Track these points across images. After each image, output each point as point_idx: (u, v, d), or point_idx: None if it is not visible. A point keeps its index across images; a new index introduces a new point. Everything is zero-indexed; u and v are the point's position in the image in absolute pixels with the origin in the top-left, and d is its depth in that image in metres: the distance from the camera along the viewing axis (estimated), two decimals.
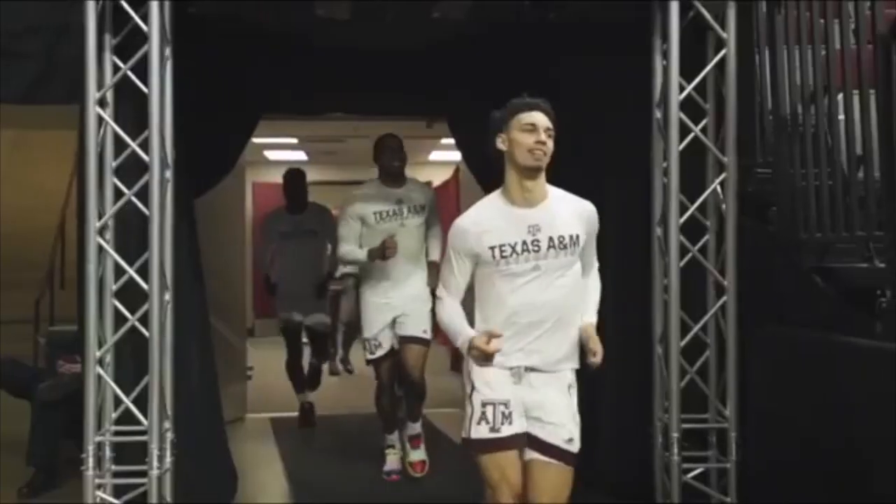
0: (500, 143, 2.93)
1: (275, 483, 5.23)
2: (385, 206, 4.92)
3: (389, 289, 4.92)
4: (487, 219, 2.94)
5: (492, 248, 2.90)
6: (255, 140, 6.83)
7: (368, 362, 5.09)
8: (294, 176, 6.59)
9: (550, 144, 2.90)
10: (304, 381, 6.76)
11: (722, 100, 3.98)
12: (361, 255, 4.88)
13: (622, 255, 4.23)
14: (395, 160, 4.96)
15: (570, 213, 2.96)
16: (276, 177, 7.20)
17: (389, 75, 4.92)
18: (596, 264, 3.14)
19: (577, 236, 2.94)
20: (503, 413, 2.91)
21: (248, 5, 4.02)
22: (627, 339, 4.24)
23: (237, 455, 4.90)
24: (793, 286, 3.66)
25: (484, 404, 2.92)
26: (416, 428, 5.18)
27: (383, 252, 4.72)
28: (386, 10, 4.14)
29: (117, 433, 3.72)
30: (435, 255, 4.99)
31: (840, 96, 3.40)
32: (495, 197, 2.98)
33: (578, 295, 3.01)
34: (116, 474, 3.71)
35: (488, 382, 2.94)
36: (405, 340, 4.94)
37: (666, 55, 3.92)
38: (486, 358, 2.89)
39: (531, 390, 2.95)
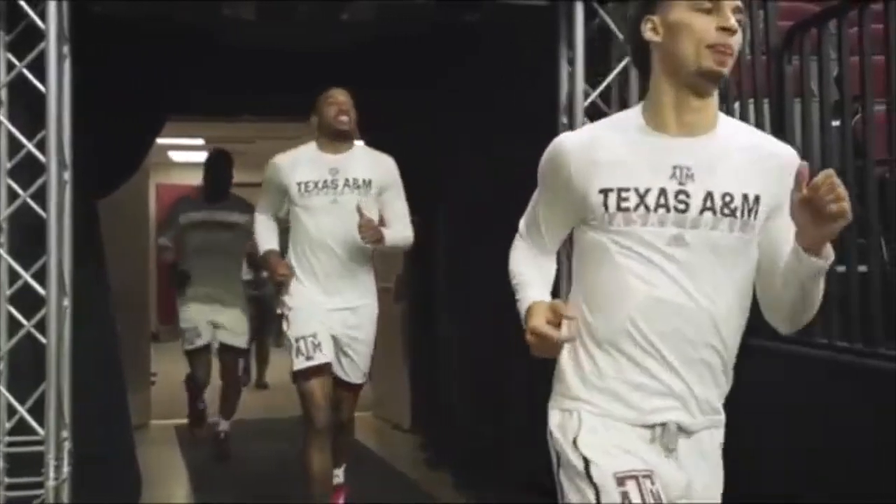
0: (650, 31, 1.78)
1: (179, 490, 5.14)
2: (314, 174, 3.81)
3: (323, 291, 3.85)
4: (608, 145, 1.77)
5: (603, 191, 1.75)
6: (161, 141, 6.70)
7: (298, 374, 3.77)
8: (219, 157, 5.76)
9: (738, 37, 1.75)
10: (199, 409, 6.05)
11: (626, 106, 4.06)
12: (260, 244, 4.03)
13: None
14: (340, 116, 3.82)
15: (748, 161, 1.77)
16: (182, 178, 7.09)
17: (300, 76, 4.88)
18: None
19: (759, 198, 1.75)
20: None
21: (155, 5, 3.94)
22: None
23: (142, 461, 4.79)
24: None
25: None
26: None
27: (273, 274, 3.97)
28: (294, 11, 4.11)
29: (11, 444, 3.60)
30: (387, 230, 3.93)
31: (737, 105, 3.50)
32: (633, 115, 1.82)
33: (744, 303, 1.80)
34: (10, 486, 3.59)
35: (611, 450, 1.72)
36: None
37: (571, 62, 4.00)
38: (546, 349, 1.77)
39: (677, 468, 1.78)
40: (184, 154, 11.44)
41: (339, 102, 3.86)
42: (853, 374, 2.76)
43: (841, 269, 2.88)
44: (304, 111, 5.49)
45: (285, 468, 4.97)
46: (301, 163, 3.86)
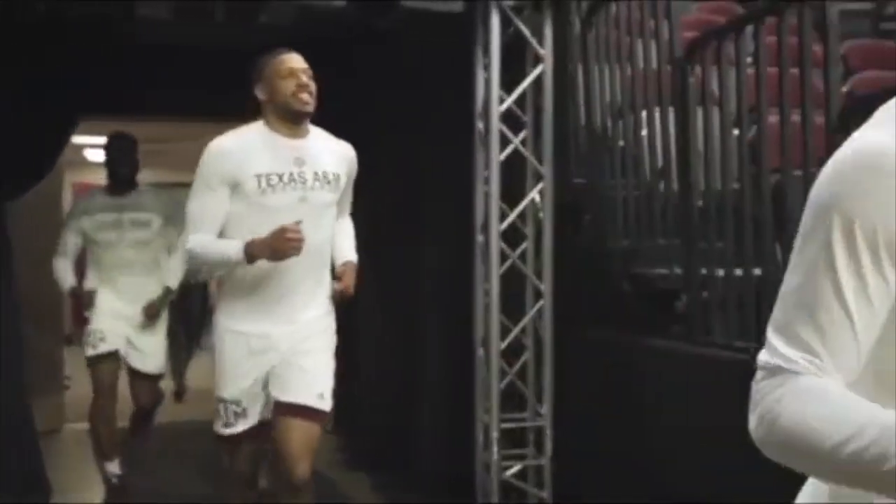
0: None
1: (92, 495, 5.05)
2: (275, 166, 2.92)
3: (267, 316, 2.97)
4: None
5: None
6: (76, 140, 6.56)
7: (219, 439, 3.09)
8: (121, 139, 4.68)
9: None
10: (115, 442, 4.65)
11: (540, 113, 4.17)
12: (230, 251, 2.84)
13: (445, 260, 4.36)
14: (301, 94, 2.91)
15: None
16: (97, 178, 6.93)
17: (219, 76, 4.86)
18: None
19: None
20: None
21: (68, 5, 3.89)
22: (450, 342, 4.37)
23: (54, 467, 4.70)
24: (603, 291, 3.88)
25: None
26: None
27: (281, 244, 2.79)
28: (212, 12, 4.10)
29: None
30: (351, 254, 3.22)
31: (644, 113, 3.63)
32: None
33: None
34: None
35: None
36: (284, 410, 2.97)
37: (487, 68, 4.09)
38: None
39: None
40: (100, 153, 11.21)
41: (297, 73, 2.95)
42: (750, 372, 2.88)
43: (738, 272, 3.02)
44: (224, 111, 5.47)
45: (204, 473, 4.94)
46: (256, 149, 2.91)
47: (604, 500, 3.65)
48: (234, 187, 2.87)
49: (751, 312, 2.94)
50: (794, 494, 2.54)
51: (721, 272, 3.09)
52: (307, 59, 2.98)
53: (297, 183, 2.91)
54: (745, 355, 2.93)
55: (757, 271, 2.93)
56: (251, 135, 2.96)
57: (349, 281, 3.06)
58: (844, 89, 4.38)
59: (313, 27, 4.24)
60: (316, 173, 2.95)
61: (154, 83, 4.94)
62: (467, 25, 4.14)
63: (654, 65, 3.56)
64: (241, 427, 3.01)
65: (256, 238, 2.81)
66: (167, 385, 8.24)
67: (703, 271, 3.18)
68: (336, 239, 3.13)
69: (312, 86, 2.95)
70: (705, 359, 3.10)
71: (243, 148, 2.91)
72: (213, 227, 2.91)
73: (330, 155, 3.05)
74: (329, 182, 2.99)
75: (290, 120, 2.97)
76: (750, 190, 2.95)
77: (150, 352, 4.61)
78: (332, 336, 3.11)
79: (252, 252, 2.81)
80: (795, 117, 2.75)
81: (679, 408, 3.20)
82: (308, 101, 2.94)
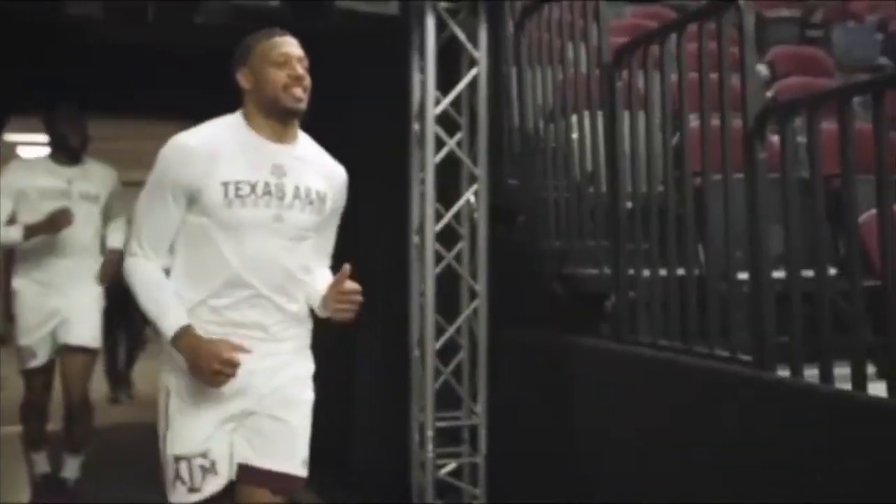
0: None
1: (24, 497, 4.97)
2: (248, 172, 2.40)
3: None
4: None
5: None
6: (8, 138, 6.44)
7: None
8: (70, 109, 4.38)
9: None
10: (45, 438, 4.56)
11: (475, 115, 4.22)
12: (163, 322, 2.33)
13: (380, 260, 4.38)
14: (295, 89, 2.41)
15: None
16: None
17: (154, 75, 4.83)
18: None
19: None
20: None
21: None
22: (385, 342, 4.40)
23: None
24: (536, 291, 3.93)
25: None
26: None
27: (206, 369, 2.28)
28: (144, 12, 4.08)
29: None
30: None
31: (574, 117, 3.69)
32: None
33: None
34: None
35: None
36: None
37: (423, 70, 4.12)
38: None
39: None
40: (34, 150, 11.02)
41: (292, 61, 2.42)
42: (674, 370, 2.96)
43: (663, 272, 3.10)
44: (160, 109, 5.44)
45: (142, 477, 4.88)
46: (227, 149, 2.36)
47: (537, 497, 3.71)
48: (195, 195, 2.29)
49: (675, 312, 3.02)
50: (722, 492, 2.62)
51: (647, 272, 3.17)
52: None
53: (273, 197, 2.32)
54: (670, 354, 3.01)
55: (680, 271, 3.01)
56: (223, 131, 2.38)
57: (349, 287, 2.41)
58: (769, 94, 4.52)
59: (247, 27, 4.22)
60: (297, 188, 2.36)
61: (88, 81, 4.89)
62: (403, 27, 4.17)
63: (584, 69, 3.62)
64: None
65: (194, 341, 2.29)
66: (104, 389, 8.17)
67: (631, 272, 3.25)
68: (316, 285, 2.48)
69: (308, 80, 2.41)
70: (632, 357, 3.18)
71: (211, 149, 2.32)
72: (161, 244, 2.36)
73: (318, 170, 2.45)
74: (312, 202, 2.38)
75: (277, 118, 2.39)
76: (673, 193, 3.03)
77: (84, 322, 4.22)
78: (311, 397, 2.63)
79: (180, 351, 2.31)
80: (717, 122, 2.84)
81: (607, 406, 3.27)
82: (301, 97, 2.39)
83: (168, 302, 2.32)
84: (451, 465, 4.21)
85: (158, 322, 2.31)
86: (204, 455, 2.35)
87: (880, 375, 2.36)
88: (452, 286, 4.27)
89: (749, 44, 2.61)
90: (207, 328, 2.31)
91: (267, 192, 2.32)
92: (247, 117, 2.41)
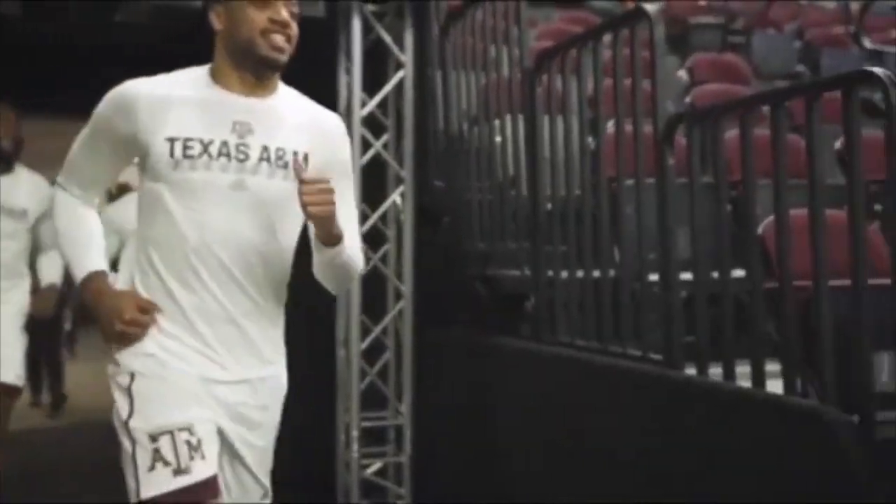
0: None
1: None
2: (200, 129, 2.08)
3: (195, 353, 2.55)
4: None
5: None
6: None
7: None
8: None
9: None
10: None
11: (401, 117, 4.25)
12: (76, 268, 2.10)
13: (306, 261, 4.38)
14: (276, 36, 1.98)
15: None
16: None
17: (75, 73, 4.75)
18: None
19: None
20: None
21: None
22: (312, 343, 4.40)
23: None
24: (460, 292, 3.98)
25: None
26: None
27: (107, 328, 2.05)
28: (65, 11, 4.02)
29: None
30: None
31: (497, 120, 3.75)
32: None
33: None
34: None
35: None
36: None
37: (349, 72, 4.15)
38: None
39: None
40: None
41: (275, 4, 1.98)
42: (590, 370, 3.03)
43: (580, 273, 3.17)
44: (80, 108, 5.33)
45: (82, 478, 4.83)
46: (181, 100, 1.99)
47: (461, 496, 3.76)
48: (143, 151, 1.95)
49: (591, 312, 3.08)
50: (640, 489, 2.69)
51: (565, 274, 3.24)
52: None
53: (232, 159, 1.94)
54: (586, 354, 3.08)
55: (596, 273, 3.07)
56: (183, 81, 2.00)
57: (311, 178, 1.97)
58: (687, 100, 4.64)
59: (169, 26, 4.20)
60: (266, 149, 1.96)
61: (11, 82, 4.79)
62: (329, 29, 4.18)
63: (507, 73, 3.68)
64: (196, 474, 1.93)
65: (97, 293, 2.00)
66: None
67: (550, 273, 3.32)
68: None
69: (295, 29, 2.00)
70: (551, 357, 3.24)
71: (160, 99, 1.94)
72: (90, 187, 2.10)
73: (299, 125, 2.03)
74: (286, 166, 1.97)
75: (250, 69, 1.98)
76: (590, 196, 3.10)
77: (4, 357, 3.62)
78: (283, 392, 2.36)
79: (85, 300, 2.06)
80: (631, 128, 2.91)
81: (528, 406, 3.34)
82: (283, 46, 1.97)
83: (84, 244, 2.05)
84: (377, 465, 4.23)
85: (72, 266, 2.05)
86: (189, 430, 1.93)
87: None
88: (378, 287, 4.29)
89: (659, 52, 2.69)
90: (163, 324, 1.95)
91: (224, 154, 1.94)
92: (214, 67, 2.02)
